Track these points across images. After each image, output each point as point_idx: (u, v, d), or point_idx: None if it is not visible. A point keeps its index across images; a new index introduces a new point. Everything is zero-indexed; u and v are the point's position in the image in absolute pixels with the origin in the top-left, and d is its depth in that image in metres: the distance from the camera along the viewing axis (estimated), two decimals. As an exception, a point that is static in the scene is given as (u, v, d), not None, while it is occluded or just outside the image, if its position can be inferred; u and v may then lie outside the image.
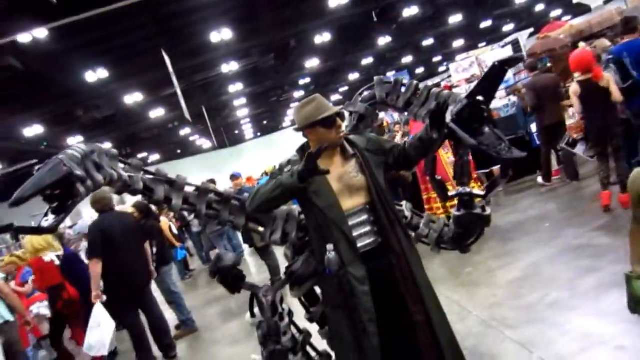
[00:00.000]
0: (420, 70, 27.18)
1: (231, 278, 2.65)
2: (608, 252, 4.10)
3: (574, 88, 5.29)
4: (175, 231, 9.95)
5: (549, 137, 6.95)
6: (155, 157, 27.05)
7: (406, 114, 3.41)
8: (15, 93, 12.72)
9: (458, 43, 23.29)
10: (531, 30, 12.20)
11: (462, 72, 9.39)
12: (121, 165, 2.59)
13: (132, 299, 5.03)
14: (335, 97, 24.59)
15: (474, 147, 2.45)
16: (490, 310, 3.77)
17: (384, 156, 2.61)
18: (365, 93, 3.24)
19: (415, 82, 3.09)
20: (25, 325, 5.29)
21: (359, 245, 2.47)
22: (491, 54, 9.83)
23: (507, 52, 9.65)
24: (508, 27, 23.33)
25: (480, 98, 2.61)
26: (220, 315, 6.46)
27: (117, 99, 16.47)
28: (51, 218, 2.02)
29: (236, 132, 29.65)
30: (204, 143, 27.37)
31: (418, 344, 2.49)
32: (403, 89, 3.08)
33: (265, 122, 30.01)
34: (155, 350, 5.24)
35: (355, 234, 2.47)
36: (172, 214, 10.06)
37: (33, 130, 15.85)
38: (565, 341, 3.02)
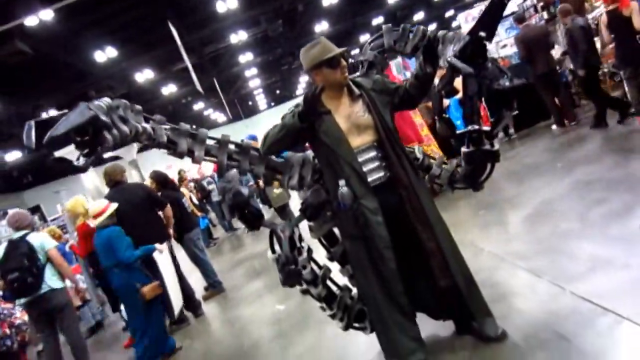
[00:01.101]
0: (432, 27, 26.70)
1: (250, 214, 2.83)
2: (619, 184, 4.20)
3: (602, 18, 5.77)
4: (195, 201, 10.19)
5: (544, 85, 7.17)
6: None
7: (414, 59, 3.52)
8: (27, 77, 12.85)
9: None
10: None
11: (472, 21, 9.26)
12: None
13: (152, 262, 5.18)
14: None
15: (471, 75, 2.57)
16: (502, 246, 3.92)
17: (389, 96, 2.74)
18: (376, 42, 3.34)
19: (422, 27, 3.17)
20: (76, 292, 5.84)
21: (369, 179, 2.63)
22: (502, 2, 9.54)
23: (519, -2, 9.51)
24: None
25: (482, 34, 2.73)
26: (245, 275, 6.73)
27: (129, 78, 16.61)
28: (82, 160, 2.23)
29: (250, 103, 29.70)
30: (219, 117, 27.51)
31: (431, 269, 2.69)
32: (411, 36, 3.18)
33: (278, 92, 29.96)
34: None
35: (365, 169, 2.63)
36: (192, 185, 10.31)
37: (48, 115, 16.13)
38: (573, 265, 3.16)
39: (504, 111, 2.93)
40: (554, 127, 7.49)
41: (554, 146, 6.67)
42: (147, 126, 2.78)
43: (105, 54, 13.30)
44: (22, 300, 4.72)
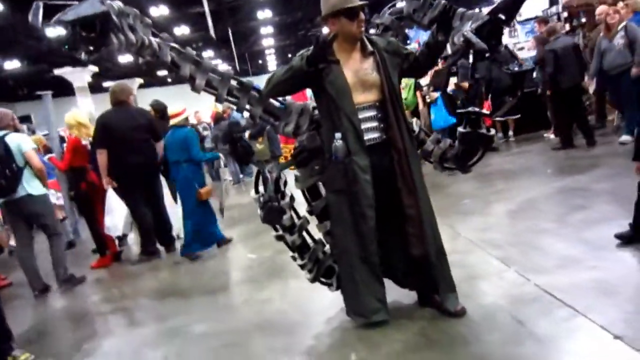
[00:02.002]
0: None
1: (242, 147, 2.85)
2: (602, 194, 4.31)
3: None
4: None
5: (563, 99, 6.73)
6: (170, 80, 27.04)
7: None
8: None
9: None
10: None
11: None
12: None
13: (138, 190, 5.32)
14: (373, 31, 24.07)
15: (484, 50, 2.57)
16: (479, 234, 4.00)
17: (400, 59, 2.74)
18: (396, 7, 3.32)
19: (444, 1, 3.15)
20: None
21: (365, 138, 2.65)
22: (527, 2, 9.47)
23: (545, 2, 9.38)
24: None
25: (501, 16, 2.73)
26: (222, 222, 6.59)
27: (144, 9, 16.30)
28: (84, 56, 2.23)
29: (260, 61, 29.39)
30: (227, 69, 27.16)
31: (406, 236, 2.74)
32: (430, 8, 3.15)
33: (290, 55, 29.63)
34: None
35: (363, 126, 2.65)
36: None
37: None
38: (543, 260, 3.25)
39: (506, 97, 2.94)
40: (551, 136, 7.52)
41: (548, 153, 6.75)
42: (154, 41, 2.77)
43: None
44: None
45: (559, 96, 6.57)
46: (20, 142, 4.61)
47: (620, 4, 6.70)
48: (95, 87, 17.28)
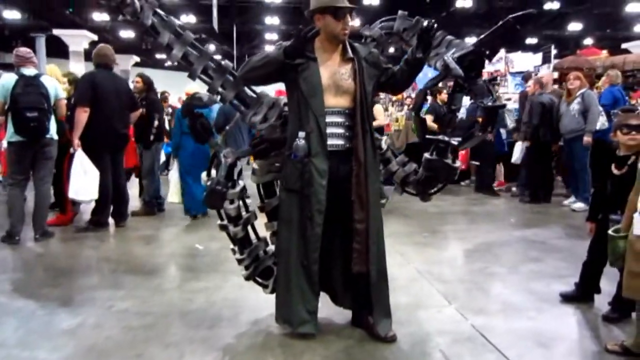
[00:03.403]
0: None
1: (201, 125, 2.75)
2: (558, 251, 4.33)
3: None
4: (167, 127, 9.96)
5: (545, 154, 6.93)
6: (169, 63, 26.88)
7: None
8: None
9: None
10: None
11: (487, 64, 9.27)
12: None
13: (107, 157, 5.19)
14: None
15: (460, 77, 2.55)
16: (429, 266, 3.94)
17: (378, 71, 2.70)
18: (388, 23, 3.30)
19: (428, 20, 3.13)
20: None
21: (329, 142, 2.57)
22: (521, 55, 9.82)
23: (538, 58, 9.66)
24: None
25: (485, 50, 2.72)
26: (179, 209, 6.47)
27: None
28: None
29: (259, 66, 29.40)
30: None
31: (350, 251, 2.65)
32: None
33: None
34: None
35: (328, 131, 2.57)
36: (170, 110, 10.05)
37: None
38: (485, 303, 3.21)
39: (475, 131, 2.92)
40: (513, 188, 7.56)
41: (515, 204, 6.79)
42: (137, 2, 2.68)
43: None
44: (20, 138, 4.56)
45: (538, 149, 6.64)
46: (57, 87, 4.85)
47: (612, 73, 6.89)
48: (90, 55, 17.03)
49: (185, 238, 5.06)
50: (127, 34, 20.61)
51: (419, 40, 2.53)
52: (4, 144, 4.96)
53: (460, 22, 19.27)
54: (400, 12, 3.23)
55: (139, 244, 4.79)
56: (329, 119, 2.58)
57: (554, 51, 10.03)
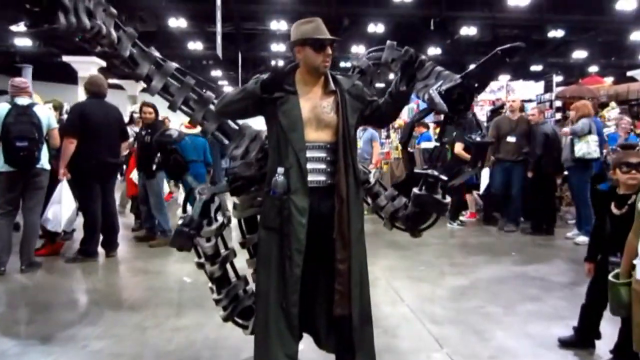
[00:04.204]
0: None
1: (174, 161, 2.65)
2: (559, 289, 4.15)
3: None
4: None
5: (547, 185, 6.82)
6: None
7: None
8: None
9: (502, 75, 23.04)
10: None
11: (489, 92, 9.25)
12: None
13: (96, 187, 5.13)
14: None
15: (444, 113, 2.45)
16: (422, 304, 3.78)
17: (362, 104, 2.60)
18: (376, 53, 3.22)
19: (423, 56, 3.05)
20: None
21: (309, 178, 2.45)
22: (522, 84, 9.78)
23: (539, 87, 9.59)
24: (557, 78, 23.02)
25: (474, 83, 2.62)
26: None
27: (162, 19, 16.49)
28: (22, 27, 2.08)
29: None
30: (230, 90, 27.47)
31: (332, 292, 2.51)
32: None
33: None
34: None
35: (309, 166, 2.46)
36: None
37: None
38: (478, 347, 3.02)
39: (464, 167, 2.80)
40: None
41: (517, 237, 6.56)
42: (114, 33, 2.62)
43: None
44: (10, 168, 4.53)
45: (541, 180, 6.51)
46: (50, 117, 4.84)
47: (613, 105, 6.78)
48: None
49: (174, 269, 4.91)
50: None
51: (402, 73, 2.44)
52: None
53: (465, 50, 19.34)
54: (388, 42, 3.15)
55: (125, 276, 4.68)
56: (309, 153, 2.47)
57: (557, 79, 9.95)
